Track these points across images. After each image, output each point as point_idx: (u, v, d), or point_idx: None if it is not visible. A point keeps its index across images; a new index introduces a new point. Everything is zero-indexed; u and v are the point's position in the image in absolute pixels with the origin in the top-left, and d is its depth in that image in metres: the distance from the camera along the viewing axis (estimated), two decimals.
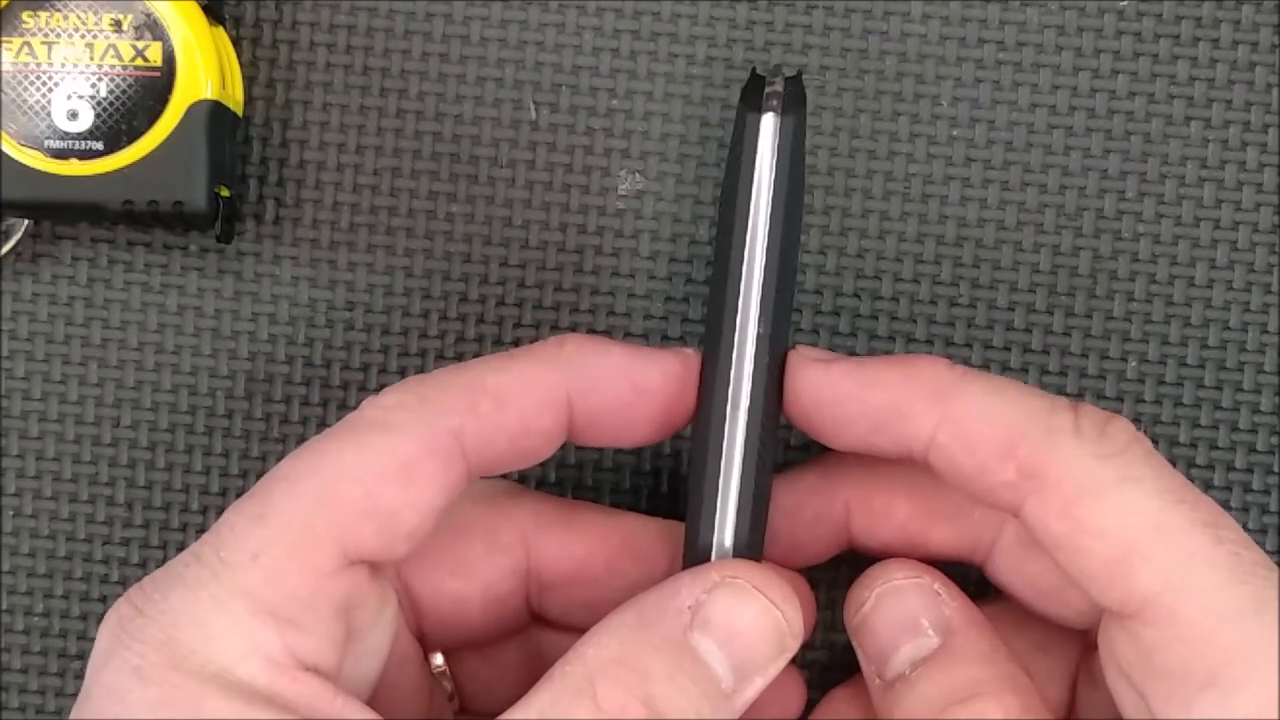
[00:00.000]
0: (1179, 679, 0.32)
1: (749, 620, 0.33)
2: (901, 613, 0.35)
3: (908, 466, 0.37)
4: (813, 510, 0.37)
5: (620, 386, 0.35)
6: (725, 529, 0.34)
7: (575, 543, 0.37)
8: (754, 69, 0.35)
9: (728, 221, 0.34)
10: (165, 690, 0.31)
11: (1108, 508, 0.33)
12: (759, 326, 0.34)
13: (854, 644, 0.35)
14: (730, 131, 0.36)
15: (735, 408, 0.34)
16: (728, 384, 0.34)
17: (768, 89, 0.34)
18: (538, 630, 0.38)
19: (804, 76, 0.41)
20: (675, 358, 0.35)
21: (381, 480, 0.33)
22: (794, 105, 0.34)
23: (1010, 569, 0.37)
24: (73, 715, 0.33)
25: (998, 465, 0.33)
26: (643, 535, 0.37)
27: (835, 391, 0.34)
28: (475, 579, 0.37)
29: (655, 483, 0.41)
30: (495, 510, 0.37)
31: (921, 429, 0.34)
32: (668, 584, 0.33)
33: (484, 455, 0.34)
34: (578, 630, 0.37)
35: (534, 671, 0.38)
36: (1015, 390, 0.34)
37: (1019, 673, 0.34)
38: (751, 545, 0.34)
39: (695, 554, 0.34)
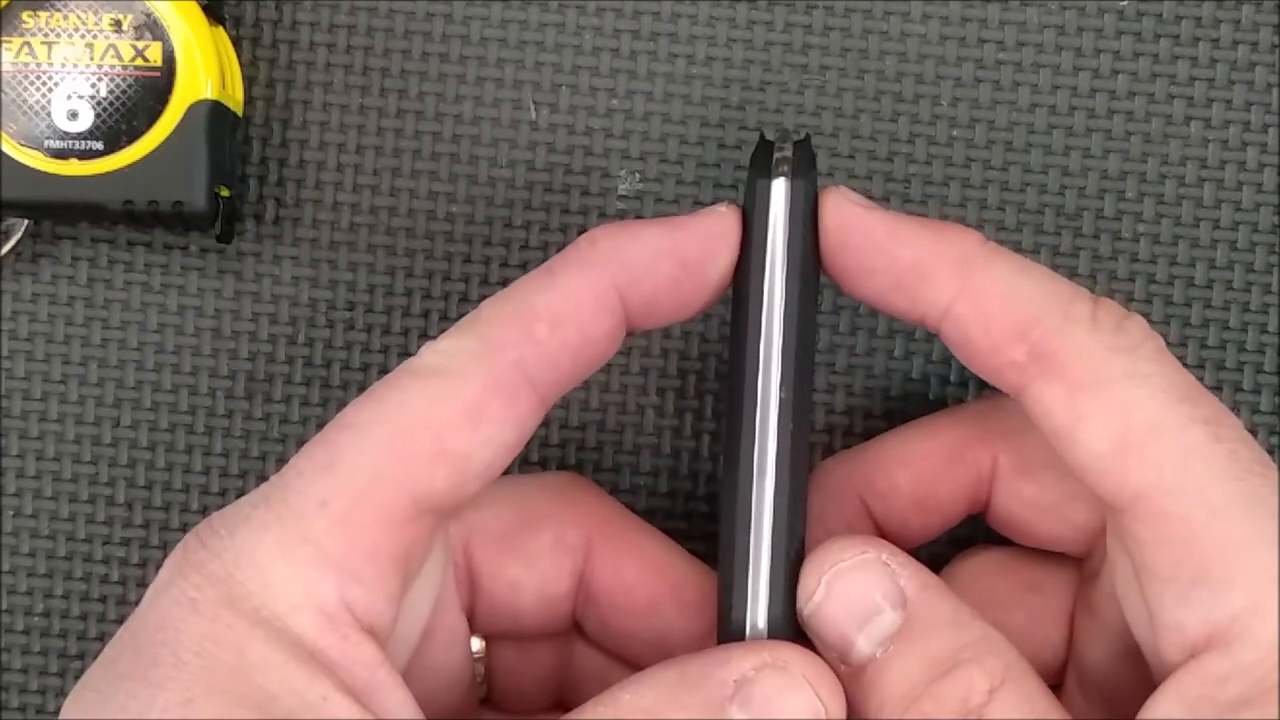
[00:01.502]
0: (1170, 576, 0.32)
1: (792, 709, 0.32)
2: (856, 594, 0.33)
3: (896, 440, 0.37)
4: (839, 518, 0.37)
5: (666, 266, 0.34)
6: (759, 606, 0.34)
7: (630, 567, 0.37)
8: (762, 134, 0.35)
9: (743, 289, 0.34)
10: (215, 626, 0.31)
11: (1110, 400, 0.32)
12: (781, 393, 0.33)
13: (810, 635, 0.34)
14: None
15: (762, 476, 0.34)
16: (752, 454, 0.34)
17: (777, 154, 0.34)
18: (575, 638, 0.38)
19: (805, 77, 0.41)
20: (712, 219, 0.34)
21: (450, 425, 0.32)
22: (804, 169, 0.34)
23: (1009, 496, 0.37)
24: (117, 636, 0.33)
25: (1009, 345, 0.33)
26: (693, 585, 0.37)
27: (866, 237, 0.34)
28: (535, 570, 0.37)
29: (655, 482, 0.41)
30: (568, 506, 0.37)
31: (940, 296, 0.34)
32: (717, 651, 0.33)
33: (552, 377, 0.33)
34: (607, 651, 0.38)
35: (563, 676, 0.38)
36: (1041, 274, 0.34)
37: (991, 631, 0.34)
38: (786, 624, 0.34)
39: (728, 626, 0.34)
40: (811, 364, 0.35)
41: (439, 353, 0.33)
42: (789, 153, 0.34)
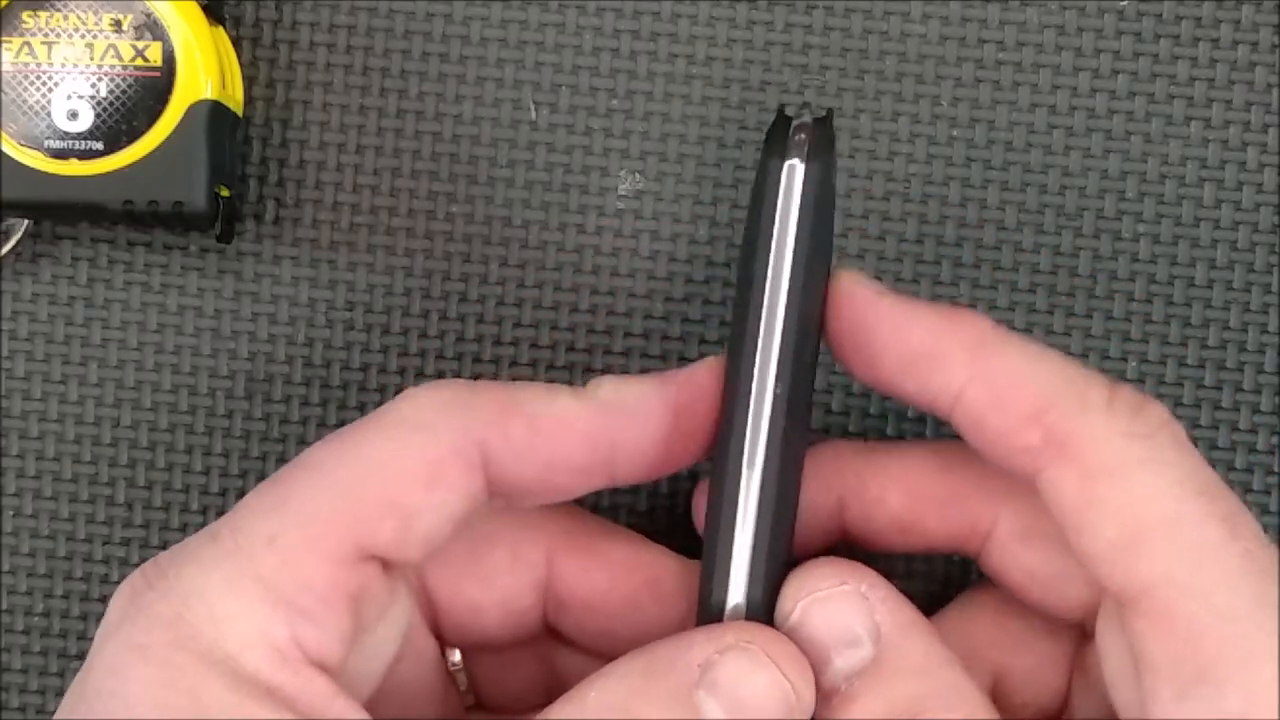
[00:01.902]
0: (1169, 673, 0.32)
1: (758, 689, 0.32)
2: (830, 624, 0.33)
3: (903, 455, 0.37)
4: (807, 500, 0.36)
5: (658, 423, 0.34)
6: (738, 588, 0.33)
7: (598, 571, 0.37)
8: (781, 109, 0.34)
9: (748, 275, 0.33)
10: (165, 671, 0.31)
11: (1125, 488, 0.32)
12: (777, 387, 0.33)
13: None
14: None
15: (751, 468, 0.33)
16: (743, 445, 0.33)
17: (794, 131, 0.33)
18: (555, 641, 0.38)
19: (805, 77, 0.41)
20: (701, 372, 0.35)
21: (406, 478, 0.33)
22: (821, 150, 0.33)
23: (1006, 559, 0.36)
24: (71, 687, 0.32)
25: (1024, 428, 0.33)
26: (668, 576, 0.37)
27: (878, 320, 0.34)
28: (494, 589, 0.36)
29: (654, 482, 0.41)
30: (523, 521, 0.37)
31: (953, 380, 0.33)
32: (681, 637, 0.33)
33: (509, 477, 0.33)
34: (590, 651, 0.37)
35: (546, 676, 0.38)
36: (1055, 358, 0.34)
37: (959, 679, 0.33)
38: (766, 606, 0.34)
39: (707, 611, 0.34)
40: (814, 356, 0.34)
41: (414, 405, 0.33)
42: (806, 132, 0.33)
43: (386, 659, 0.35)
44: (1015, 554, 0.36)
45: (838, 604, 0.33)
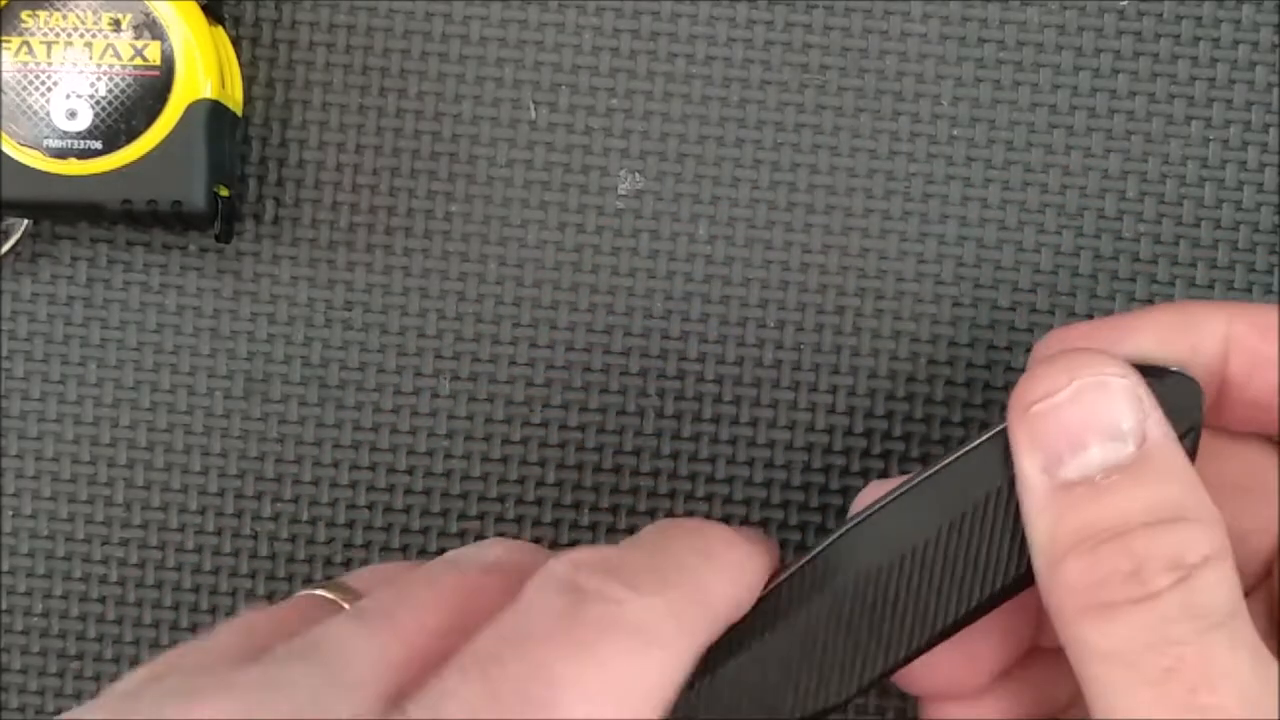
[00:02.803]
0: None
1: None
2: (1103, 410, 0.32)
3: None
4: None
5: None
6: None
7: None
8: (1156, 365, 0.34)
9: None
10: None
11: None
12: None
13: (1011, 431, 0.33)
14: None
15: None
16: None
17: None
18: None
19: (804, 76, 0.41)
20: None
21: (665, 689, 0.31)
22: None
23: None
24: None
25: None
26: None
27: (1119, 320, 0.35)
28: None
29: (654, 483, 0.41)
30: None
31: (1216, 328, 0.34)
32: None
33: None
34: None
35: None
36: None
37: (1211, 504, 0.32)
38: None
39: None
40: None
41: (648, 609, 0.31)
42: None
43: None
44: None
45: (1115, 395, 0.33)
